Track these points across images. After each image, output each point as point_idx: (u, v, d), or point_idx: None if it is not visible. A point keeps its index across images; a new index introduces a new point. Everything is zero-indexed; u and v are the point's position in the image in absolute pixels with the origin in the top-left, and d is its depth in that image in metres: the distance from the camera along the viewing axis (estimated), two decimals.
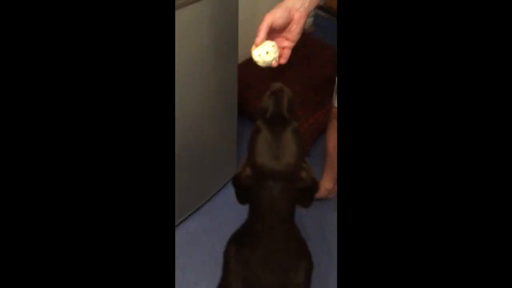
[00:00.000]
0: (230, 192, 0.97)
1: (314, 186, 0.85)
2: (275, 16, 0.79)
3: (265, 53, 0.80)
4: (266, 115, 0.84)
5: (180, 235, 1.52)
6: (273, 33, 0.82)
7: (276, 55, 0.82)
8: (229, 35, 1.24)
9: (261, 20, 0.79)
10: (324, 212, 1.58)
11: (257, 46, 0.80)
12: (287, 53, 0.86)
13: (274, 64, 0.84)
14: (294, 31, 0.83)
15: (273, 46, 0.81)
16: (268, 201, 0.84)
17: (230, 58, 1.30)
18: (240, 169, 0.86)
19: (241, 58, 1.39)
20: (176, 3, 0.98)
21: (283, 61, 0.86)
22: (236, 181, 0.87)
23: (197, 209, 1.59)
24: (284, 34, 0.84)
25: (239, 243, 0.96)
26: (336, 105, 1.26)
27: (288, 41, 0.85)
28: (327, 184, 1.58)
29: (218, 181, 1.62)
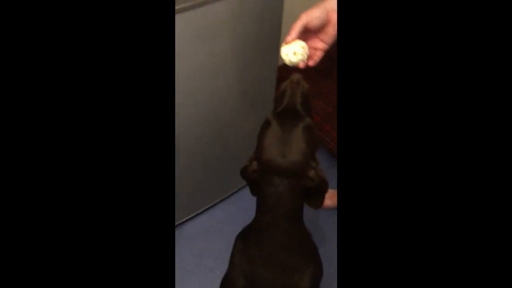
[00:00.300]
0: None
1: (323, 185, 0.81)
2: (311, 17, 0.76)
3: (293, 53, 0.78)
4: (279, 106, 0.81)
5: (204, 222, 1.55)
6: (308, 33, 0.80)
7: (305, 56, 0.80)
8: (272, 34, 1.23)
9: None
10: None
11: (287, 44, 0.79)
12: (318, 55, 0.83)
13: (302, 65, 0.81)
14: (330, 33, 0.80)
15: (302, 47, 0.79)
16: (274, 197, 0.81)
17: (271, 58, 1.29)
18: (247, 162, 0.83)
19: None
20: None
21: (311, 63, 0.83)
22: (243, 174, 0.85)
23: (225, 198, 1.61)
24: (320, 35, 0.81)
25: (246, 239, 0.94)
26: None
27: (322, 43, 0.82)
28: None
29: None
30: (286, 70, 0.87)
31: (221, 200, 1.60)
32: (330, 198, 1.57)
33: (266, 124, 0.80)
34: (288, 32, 0.78)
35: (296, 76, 0.83)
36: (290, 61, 0.80)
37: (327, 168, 1.69)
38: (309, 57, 0.82)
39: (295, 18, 0.78)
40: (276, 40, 1.26)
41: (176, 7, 0.95)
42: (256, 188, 0.86)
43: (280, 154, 0.78)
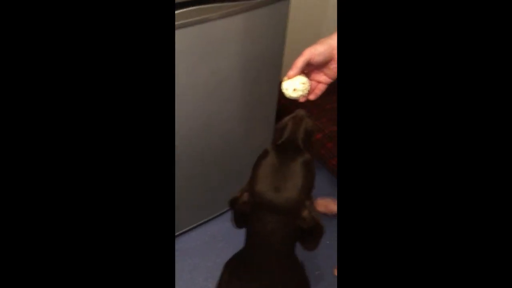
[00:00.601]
0: None
1: (317, 229, 0.75)
2: (314, 53, 0.75)
3: (293, 89, 0.78)
4: (280, 138, 0.77)
5: (197, 237, 1.52)
6: (311, 67, 0.79)
7: (305, 92, 0.79)
8: (275, 53, 1.21)
9: (308, 43, 0.77)
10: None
11: (289, 78, 0.78)
12: (320, 88, 0.82)
13: (302, 99, 0.81)
14: (333, 70, 0.79)
15: (303, 83, 0.78)
16: (263, 235, 0.76)
17: (274, 71, 1.26)
18: (238, 193, 0.79)
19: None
20: (229, 10, 1.00)
21: (313, 97, 0.82)
22: (232, 205, 0.80)
23: (220, 214, 1.58)
24: (323, 69, 0.80)
25: (234, 270, 0.90)
26: None
27: (325, 77, 0.81)
28: None
29: None
30: None
31: (216, 216, 1.57)
32: (325, 207, 1.57)
33: (263, 155, 0.77)
34: (291, 64, 0.78)
35: (300, 112, 0.81)
36: (290, 96, 0.79)
37: (328, 186, 1.68)
38: (311, 91, 0.81)
39: (299, 41, 0.77)
40: (278, 58, 1.23)
41: (177, 23, 0.93)
42: (244, 221, 0.82)
43: (274, 188, 0.73)
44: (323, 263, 1.44)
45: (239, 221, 0.84)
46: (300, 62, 0.75)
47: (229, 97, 1.20)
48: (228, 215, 1.56)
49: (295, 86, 0.78)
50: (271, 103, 1.35)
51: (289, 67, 0.78)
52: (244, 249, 0.86)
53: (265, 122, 1.40)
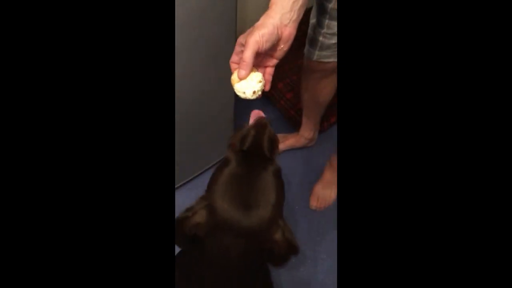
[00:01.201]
0: None
1: (291, 251, 0.63)
2: (261, 40, 0.63)
3: (252, 92, 0.67)
4: (243, 146, 0.64)
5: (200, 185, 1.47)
6: (259, 56, 0.67)
7: (263, 87, 0.69)
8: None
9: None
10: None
11: (241, 79, 0.66)
12: (270, 73, 0.72)
13: (259, 97, 0.70)
14: (281, 50, 0.68)
15: (259, 81, 0.67)
16: (221, 261, 0.63)
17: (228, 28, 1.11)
18: (188, 211, 0.62)
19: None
20: None
21: (268, 87, 0.72)
22: (179, 226, 0.62)
23: (186, 183, 1.52)
24: (270, 52, 0.69)
25: (184, 271, 0.73)
26: (312, 58, 1.14)
27: (272, 59, 0.71)
28: (307, 133, 1.56)
29: (210, 158, 1.51)
30: None
31: (181, 185, 1.51)
32: (283, 142, 1.57)
33: (225, 163, 0.63)
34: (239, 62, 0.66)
35: (262, 121, 0.70)
36: (248, 98, 0.68)
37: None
38: (265, 82, 0.70)
39: None
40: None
41: None
42: (194, 243, 0.65)
43: (242, 205, 0.59)
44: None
45: (183, 244, 0.69)
46: (249, 57, 0.63)
47: None
48: (194, 183, 1.51)
49: (254, 88, 0.66)
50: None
51: None
52: (195, 269, 0.71)
53: None
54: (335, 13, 0.99)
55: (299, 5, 0.64)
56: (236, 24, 1.10)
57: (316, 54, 1.13)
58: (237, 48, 0.69)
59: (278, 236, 0.61)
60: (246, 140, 0.66)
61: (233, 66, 0.70)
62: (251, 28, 0.65)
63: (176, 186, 1.47)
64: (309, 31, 1.11)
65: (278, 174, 0.64)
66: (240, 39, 0.68)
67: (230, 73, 0.70)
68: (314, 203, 1.51)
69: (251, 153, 0.65)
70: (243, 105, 1.66)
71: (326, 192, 1.51)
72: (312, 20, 1.08)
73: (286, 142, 1.59)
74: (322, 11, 1.02)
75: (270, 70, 0.71)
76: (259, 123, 0.69)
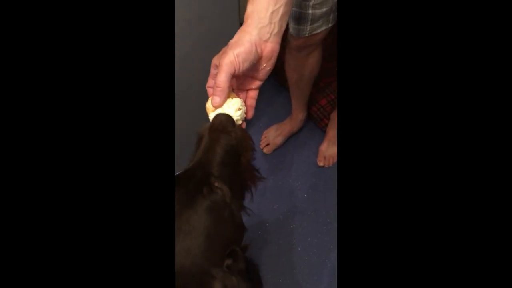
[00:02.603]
0: None
1: None
2: (237, 61, 0.53)
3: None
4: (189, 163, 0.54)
5: None
6: (237, 80, 0.60)
7: (244, 115, 0.59)
8: None
9: None
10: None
11: (217, 107, 0.56)
12: (254, 97, 0.62)
13: (243, 125, 0.61)
14: (265, 70, 0.59)
15: (239, 108, 0.57)
16: None
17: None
18: None
19: None
20: None
21: (250, 115, 0.61)
22: None
23: None
24: (251, 73, 0.59)
25: None
26: (305, 34, 1.08)
27: (255, 81, 0.60)
28: (300, 114, 1.54)
29: None
30: None
31: None
32: (281, 133, 1.56)
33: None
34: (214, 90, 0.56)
35: (219, 118, 0.56)
36: None
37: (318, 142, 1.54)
38: (247, 108, 0.61)
39: None
40: None
41: None
42: None
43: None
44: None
45: None
46: (223, 81, 0.53)
47: None
48: None
49: (234, 118, 0.57)
50: None
51: None
52: None
53: None
54: None
55: (279, 15, 0.55)
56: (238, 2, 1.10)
57: (309, 29, 1.07)
58: (212, 71, 0.59)
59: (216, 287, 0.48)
60: (197, 152, 0.54)
61: (209, 91, 0.59)
62: (225, 47, 0.56)
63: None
64: (294, 8, 1.03)
65: (216, 209, 0.51)
66: (214, 60, 0.58)
67: None
68: (321, 162, 1.52)
69: (192, 175, 0.52)
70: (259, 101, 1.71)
71: (332, 149, 1.52)
72: None
73: (283, 132, 1.57)
74: None
75: (253, 94, 0.62)
76: (213, 124, 0.56)
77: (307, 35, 1.09)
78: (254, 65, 0.57)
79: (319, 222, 1.40)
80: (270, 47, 0.56)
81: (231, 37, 0.56)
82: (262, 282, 0.70)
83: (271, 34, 0.55)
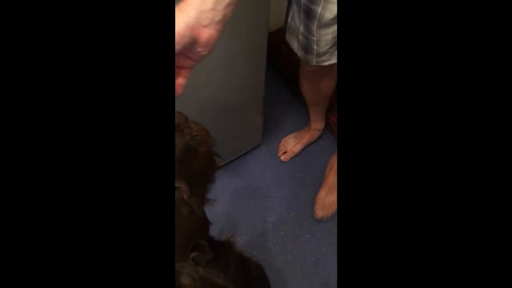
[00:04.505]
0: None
1: None
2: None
3: None
4: None
5: None
6: None
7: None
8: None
9: None
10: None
11: None
12: (185, 75, 0.58)
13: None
14: (199, 53, 0.55)
15: None
16: None
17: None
18: None
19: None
20: None
21: (178, 93, 0.58)
22: None
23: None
24: (185, 52, 0.55)
25: None
26: (312, 63, 1.09)
27: (189, 60, 0.57)
28: (319, 125, 1.55)
29: (238, 148, 1.56)
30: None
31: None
32: (300, 142, 1.56)
33: None
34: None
35: (178, 116, 0.52)
36: None
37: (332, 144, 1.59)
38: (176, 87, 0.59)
39: None
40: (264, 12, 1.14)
41: None
42: None
43: None
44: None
45: None
46: None
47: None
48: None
49: None
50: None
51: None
52: None
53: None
54: (324, 19, 0.96)
55: (225, 3, 0.51)
56: (268, 13, 1.11)
57: (315, 61, 1.10)
58: None
59: (186, 281, 0.49)
60: None
61: None
62: None
63: None
64: (301, 37, 1.06)
65: (176, 206, 0.50)
66: None
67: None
68: (320, 212, 1.42)
69: None
70: (273, 95, 1.71)
71: (331, 198, 1.44)
72: (298, 25, 1.03)
73: (302, 140, 1.57)
74: (310, 16, 0.98)
75: (185, 73, 0.58)
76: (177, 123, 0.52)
77: (314, 64, 1.11)
78: (189, 47, 0.53)
79: (335, 233, 1.41)
80: (209, 34, 0.52)
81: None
82: (266, 276, 0.71)
83: (212, 20, 0.51)
